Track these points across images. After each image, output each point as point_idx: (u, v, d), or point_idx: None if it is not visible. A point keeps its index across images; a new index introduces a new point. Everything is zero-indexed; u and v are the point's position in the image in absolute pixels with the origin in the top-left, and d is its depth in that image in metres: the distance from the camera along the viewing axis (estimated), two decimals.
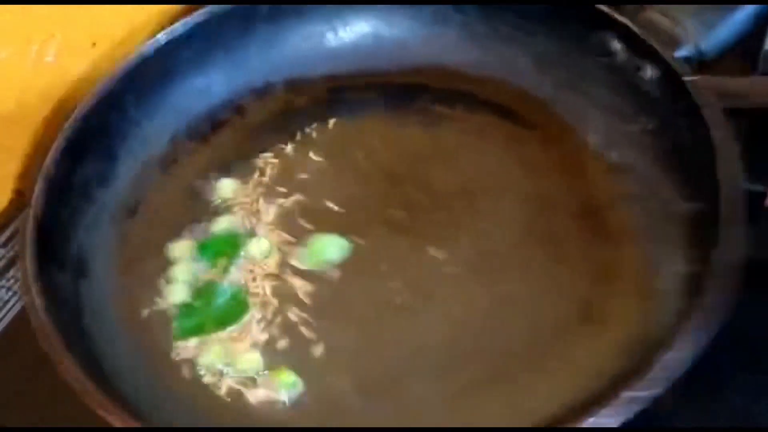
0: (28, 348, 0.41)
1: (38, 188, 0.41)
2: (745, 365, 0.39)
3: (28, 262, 0.37)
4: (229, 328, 0.40)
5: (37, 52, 0.49)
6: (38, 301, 0.35)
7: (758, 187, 0.39)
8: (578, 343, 0.38)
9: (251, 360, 0.39)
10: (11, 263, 0.46)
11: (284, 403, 0.38)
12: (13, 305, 0.44)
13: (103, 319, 0.40)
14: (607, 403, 0.31)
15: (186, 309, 0.41)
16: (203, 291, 0.42)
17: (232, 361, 0.39)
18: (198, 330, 0.40)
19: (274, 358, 0.39)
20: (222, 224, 0.44)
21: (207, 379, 0.39)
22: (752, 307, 0.40)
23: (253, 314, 0.41)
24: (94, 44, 0.52)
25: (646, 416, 0.33)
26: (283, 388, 0.38)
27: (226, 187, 0.46)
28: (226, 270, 0.42)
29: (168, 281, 0.42)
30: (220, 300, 0.41)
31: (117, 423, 0.30)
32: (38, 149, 0.50)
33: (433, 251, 0.42)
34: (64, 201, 0.42)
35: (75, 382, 0.32)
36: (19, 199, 0.50)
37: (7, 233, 0.48)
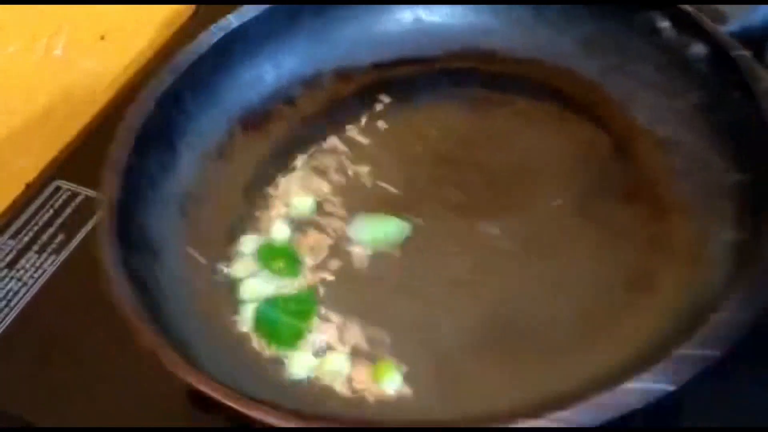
0: (37, 337, 0.44)
1: (109, 178, 0.42)
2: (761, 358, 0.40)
3: (109, 248, 0.39)
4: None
5: (45, 46, 0.50)
6: (123, 286, 0.36)
7: None
8: (630, 312, 0.39)
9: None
10: (21, 254, 0.49)
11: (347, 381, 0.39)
12: (23, 296, 0.47)
13: (174, 301, 0.41)
14: (658, 363, 0.32)
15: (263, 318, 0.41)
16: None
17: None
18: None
19: (343, 336, 0.40)
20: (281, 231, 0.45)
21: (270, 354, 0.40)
22: None
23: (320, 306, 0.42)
24: (102, 38, 0.52)
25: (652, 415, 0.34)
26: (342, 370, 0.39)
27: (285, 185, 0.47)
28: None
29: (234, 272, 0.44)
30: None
31: (206, 389, 0.32)
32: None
33: (489, 229, 0.44)
34: (134, 190, 0.44)
35: (159, 350, 0.33)
36: (28, 191, 0.52)
37: (18, 224, 0.50)
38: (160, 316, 0.39)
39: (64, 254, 0.49)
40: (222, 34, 0.49)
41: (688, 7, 0.44)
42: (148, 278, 0.41)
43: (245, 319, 0.42)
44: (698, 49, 0.44)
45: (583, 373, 0.37)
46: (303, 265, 0.43)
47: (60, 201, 0.52)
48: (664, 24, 0.45)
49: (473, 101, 0.50)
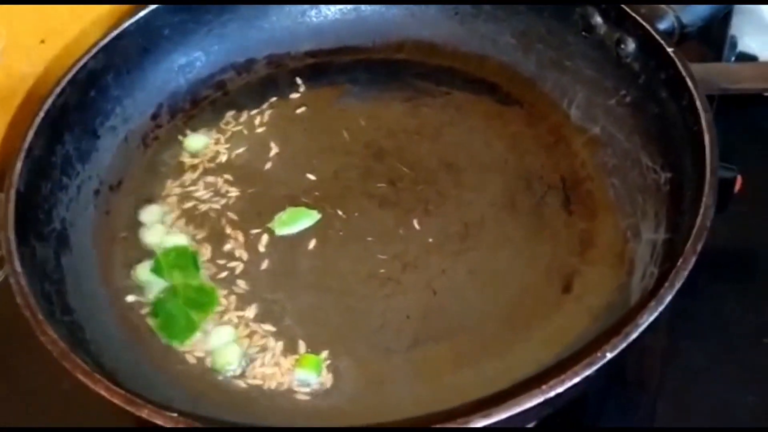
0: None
1: (18, 163, 0.40)
2: (721, 355, 0.40)
3: (9, 234, 0.37)
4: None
5: None
6: (20, 272, 0.35)
7: (729, 173, 0.39)
8: (557, 311, 0.39)
9: (224, 332, 0.39)
10: None
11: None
12: None
13: (84, 292, 0.40)
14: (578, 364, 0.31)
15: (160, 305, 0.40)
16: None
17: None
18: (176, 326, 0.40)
19: (245, 328, 0.39)
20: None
21: (181, 348, 0.39)
22: (725, 296, 0.42)
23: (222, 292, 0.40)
24: (42, 41, 0.49)
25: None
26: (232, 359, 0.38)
27: (196, 143, 0.46)
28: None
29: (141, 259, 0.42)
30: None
31: (100, 389, 0.30)
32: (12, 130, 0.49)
33: (416, 223, 0.43)
34: (45, 176, 0.42)
35: (54, 347, 0.32)
36: None
37: None
38: (61, 304, 0.37)
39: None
40: (146, 15, 0.48)
41: (621, 4, 0.43)
42: (54, 270, 0.39)
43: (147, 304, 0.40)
44: (631, 45, 0.43)
45: (506, 372, 0.36)
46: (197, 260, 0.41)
47: None
48: (599, 20, 0.45)
49: (407, 93, 0.49)
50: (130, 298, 0.41)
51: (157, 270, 0.41)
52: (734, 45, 0.51)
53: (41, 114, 0.43)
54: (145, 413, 0.29)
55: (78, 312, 0.38)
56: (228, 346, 0.38)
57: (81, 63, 0.45)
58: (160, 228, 0.43)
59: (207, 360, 0.38)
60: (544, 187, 0.44)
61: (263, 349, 0.39)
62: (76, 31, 0.52)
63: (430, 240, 0.42)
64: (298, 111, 0.49)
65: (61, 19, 0.51)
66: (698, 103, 0.38)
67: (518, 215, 0.43)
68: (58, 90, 0.44)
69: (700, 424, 0.39)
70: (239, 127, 0.48)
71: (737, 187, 0.40)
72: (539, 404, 0.29)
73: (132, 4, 0.51)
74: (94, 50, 0.45)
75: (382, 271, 0.41)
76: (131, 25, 0.47)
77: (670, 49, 0.41)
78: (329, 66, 0.51)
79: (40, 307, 0.34)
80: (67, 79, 0.44)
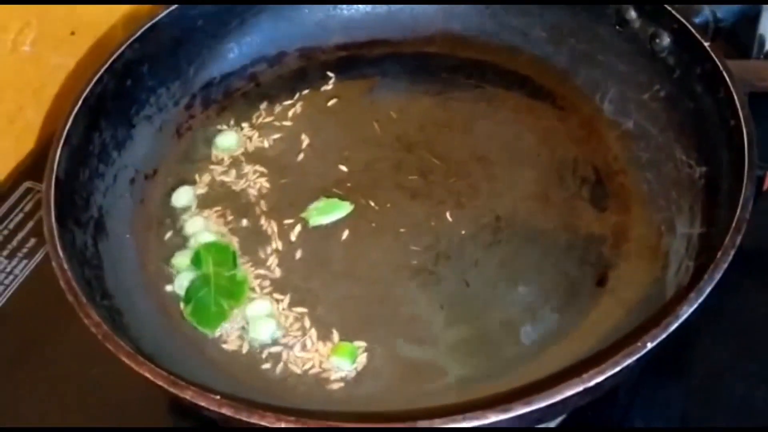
0: (9, 344, 0.42)
1: (58, 150, 0.41)
2: (744, 353, 0.40)
3: (51, 220, 0.37)
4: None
5: (13, 41, 0.48)
6: (62, 257, 0.35)
7: (758, 171, 0.39)
8: (592, 304, 0.39)
9: (262, 305, 0.40)
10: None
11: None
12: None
13: (121, 278, 0.40)
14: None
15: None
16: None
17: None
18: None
19: (280, 314, 0.40)
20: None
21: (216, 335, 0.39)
22: (752, 296, 0.42)
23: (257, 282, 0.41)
24: (72, 33, 0.50)
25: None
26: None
27: (229, 134, 0.47)
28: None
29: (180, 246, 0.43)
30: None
31: (144, 371, 0.31)
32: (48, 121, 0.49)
33: (449, 215, 0.43)
34: (83, 163, 0.42)
35: (98, 330, 0.32)
36: None
37: None
38: (101, 289, 0.38)
39: (36, 259, 0.46)
40: (181, 6, 0.48)
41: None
42: (92, 256, 0.39)
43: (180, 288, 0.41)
44: (666, 39, 0.43)
45: (538, 366, 0.36)
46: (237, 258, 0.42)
47: (31, 203, 0.49)
48: (633, 15, 0.45)
49: (438, 86, 0.49)
50: (168, 287, 0.41)
51: (196, 263, 0.41)
52: (762, 44, 0.51)
53: (79, 102, 0.43)
54: (189, 395, 0.29)
55: (116, 297, 0.39)
56: (264, 319, 0.39)
57: (118, 52, 0.45)
58: (194, 217, 0.44)
59: (244, 347, 0.39)
60: (577, 181, 0.44)
61: (298, 335, 0.39)
62: (106, 24, 0.53)
63: (463, 232, 0.42)
64: (330, 103, 0.49)
65: (91, 13, 0.52)
66: (736, 97, 0.38)
67: (551, 208, 0.43)
68: (95, 78, 0.44)
69: (725, 423, 0.38)
70: (271, 119, 0.49)
71: (766, 184, 0.40)
72: (578, 393, 0.29)
73: (157, 4, 0.51)
74: (130, 40, 0.46)
75: (414, 262, 0.41)
76: (166, 16, 0.47)
77: (706, 44, 0.41)
78: (360, 59, 0.51)
79: (81, 291, 0.34)
80: (104, 68, 0.44)
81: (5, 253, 0.46)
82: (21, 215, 0.48)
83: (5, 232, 0.48)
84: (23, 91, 0.49)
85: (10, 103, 0.49)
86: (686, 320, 0.31)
